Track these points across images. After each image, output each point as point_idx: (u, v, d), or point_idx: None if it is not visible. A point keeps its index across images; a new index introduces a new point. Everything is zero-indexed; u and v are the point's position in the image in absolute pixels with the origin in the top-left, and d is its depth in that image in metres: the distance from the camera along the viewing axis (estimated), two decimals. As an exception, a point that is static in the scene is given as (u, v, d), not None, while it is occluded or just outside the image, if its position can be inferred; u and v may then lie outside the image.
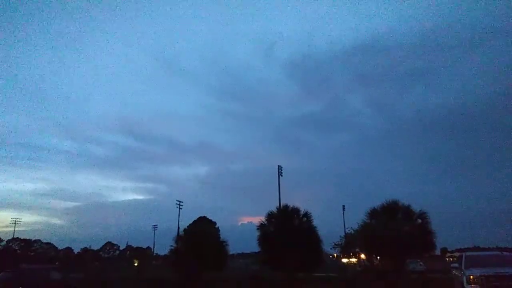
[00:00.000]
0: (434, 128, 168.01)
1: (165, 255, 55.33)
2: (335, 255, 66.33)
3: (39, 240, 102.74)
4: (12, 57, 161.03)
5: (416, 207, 23.85)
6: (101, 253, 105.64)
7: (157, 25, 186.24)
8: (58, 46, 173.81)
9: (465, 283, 14.34)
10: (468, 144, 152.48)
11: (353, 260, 50.26)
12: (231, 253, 35.44)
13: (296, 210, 26.97)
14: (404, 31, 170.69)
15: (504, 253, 18.98)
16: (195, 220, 66.33)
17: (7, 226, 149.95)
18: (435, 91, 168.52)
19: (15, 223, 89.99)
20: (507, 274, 13.84)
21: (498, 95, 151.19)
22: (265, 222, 26.84)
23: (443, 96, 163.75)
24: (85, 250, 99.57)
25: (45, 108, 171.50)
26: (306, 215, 26.79)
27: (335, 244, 51.50)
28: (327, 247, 35.17)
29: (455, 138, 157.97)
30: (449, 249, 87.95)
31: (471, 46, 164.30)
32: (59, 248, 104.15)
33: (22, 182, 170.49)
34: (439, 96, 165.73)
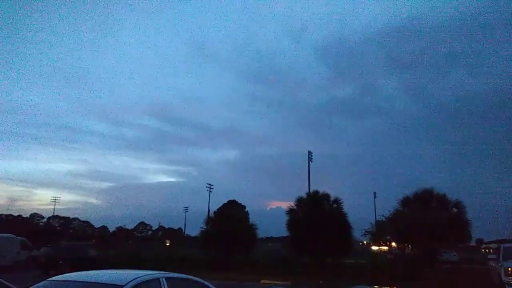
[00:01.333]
0: (473, 114, 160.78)
1: (195, 236, 56.56)
2: (365, 242, 65.73)
3: (77, 218, 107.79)
4: (50, 40, 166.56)
5: (451, 196, 23.17)
6: (134, 232, 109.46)
7: (187, 10, 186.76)
8: (94, 31, 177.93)
9: (503, 275, 13.83)
10: (509, 132, 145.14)
11: (384, 248, 49.59)
12: (260, 236, 35.77)
13: (326, 196, 26.77)
14: (442, 12, 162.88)
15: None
16: (225, 203, 67.44)
17: (47, 204, 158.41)
18: (475, 75, 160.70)
19: (55, 201, 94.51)
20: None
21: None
22: (294, 207, 26.84)
23: (484, 80, 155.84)
24: (120, 229, 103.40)
25: (81, 92, 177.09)
26: (336, 201, 26.55)
27: (365, 231, 50.88)
28: (357, 234, 34.70)
29: (495, 125, 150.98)
30: (484, 240, 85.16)
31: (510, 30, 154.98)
32: (96, 226, 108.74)
33: (60, 163, 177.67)
34: (479, 81, 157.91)
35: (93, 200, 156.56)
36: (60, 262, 20.80)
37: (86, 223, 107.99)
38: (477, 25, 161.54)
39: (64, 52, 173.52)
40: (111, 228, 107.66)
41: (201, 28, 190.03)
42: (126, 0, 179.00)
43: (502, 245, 16.63)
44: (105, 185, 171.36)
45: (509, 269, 13.69)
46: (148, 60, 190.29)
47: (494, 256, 16.53)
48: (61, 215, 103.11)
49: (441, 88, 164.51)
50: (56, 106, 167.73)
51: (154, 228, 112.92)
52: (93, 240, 72.78)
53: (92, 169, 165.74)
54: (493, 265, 16.14)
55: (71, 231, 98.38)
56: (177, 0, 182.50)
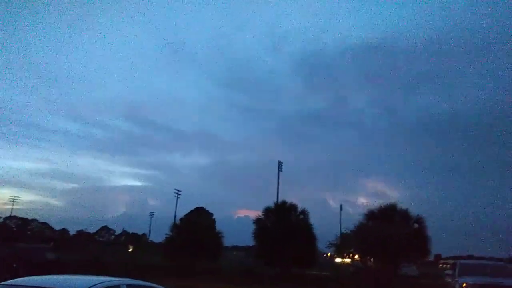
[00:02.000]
0: (436, 133, 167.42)
1: (160, 242, 55.47)
2: (329, 254, 66.48)
3: (36, 220, 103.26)
4: (18, 33, 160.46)
5: (413, 211, 23.90)
6: (96, 236, 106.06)
7: (165, 11, 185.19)
8: (66, 26, 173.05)
9: (458, 290, 14.36)
10: (470, 152, 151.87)
11: (347, 260, 50.35)
12: (226, 245, 35.56)
13: (293, 207, 27.03)
14: (414, 34, 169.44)
15: (498, 263, 19.01)
16: (192, 210, 66.48)
17: (5, 204, 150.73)
18: (441, 97, 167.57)
19: (13, 201, 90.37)
20: (500, 284, 13.84)
21: (504, 103, 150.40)
22: (262, 217, 26.91)
23: (449, 101, 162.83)
24: (81, 232, 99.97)
25: (48, 88, 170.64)
26: (303, 212, 26.86)
27: (330, 243, 51.53)
28: (322, 245, 35.15)
29: (457, 144, 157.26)
30: (443, 256, 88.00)
31: (480, 53, 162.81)
32: (55, 228, 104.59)
33: (22, 161, 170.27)
34: (445, 102, 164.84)
35: (54, 201, 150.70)
36: (14, 265, 19.85)
37: (45, 225, 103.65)
38: (445, 49, 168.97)
39: (34, 47, 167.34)
40: (72, 231, 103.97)
41: (179, 31, 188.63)
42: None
43: (458, 262, 17.28)
44: (68, 186, 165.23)
45: (464, 284, 14.23)
46: (122, 60, 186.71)
47: (450, 272, 17.14)
48: (20, 216, 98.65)
49: (408, 106, 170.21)
50: (22, 102, 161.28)
51: (117, 232, 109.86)
52: (52, 243, 69.95)
53: (55, 169, 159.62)
54: (449, 280, 16.72)
55: (28, 232, 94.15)
56: (156, 2, 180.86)
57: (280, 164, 57.62)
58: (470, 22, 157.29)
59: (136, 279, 4.76)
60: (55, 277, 4.35)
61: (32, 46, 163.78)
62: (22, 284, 4.00)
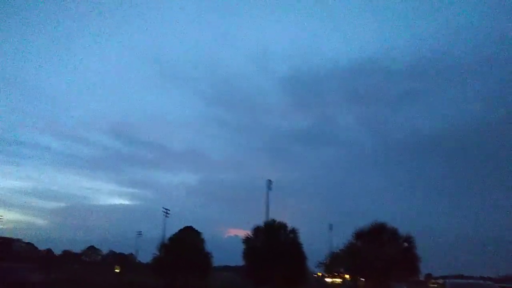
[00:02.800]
0: (424, 151, 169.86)
1: (148, 262, 54.47)
2: (319, 273, 65.90)
3: (20, 239, 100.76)
4: (2, 52, 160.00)
5: (403, 230, 23.96)
6: (82, 256, 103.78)
7: (152, 30, 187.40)
8: (48, 43, 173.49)
9: (446, 310, 14.37)
10: (458, 170, 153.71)
11: (337, 280, 49.96)
12: (215, 265, 35.05)
13: (283, 225, 26.88)
14: (400, 53, 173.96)
15: (486, 282, 19.10)
16: (180, 229, 65.51)
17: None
18: (427, 115, 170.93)
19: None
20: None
21: (490, 122, 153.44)
22: (251, 236, 26.68)
23: (435, 120, 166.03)
24: (66, 253, 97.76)
25: (32, 105, 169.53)
26: (293, 231, 26.70)
27: (320, 263, 51.14)
28: (311, 265, 34.91)
29: (445, 162, 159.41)
30: (433, 275, 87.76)
31: (465, 73, 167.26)
32: (40, 248, 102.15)
33: (6, 179, 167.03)
34: (431, 120, 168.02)
35: (39, 221, 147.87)
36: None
37: (30, 245, 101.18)
38: (430, 68, 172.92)
39: (19, 65, 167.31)
40: (57, 251, 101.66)
41: (167, 49, 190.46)
42: (88, 16, 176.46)
43: (446, 281, 17.36)
44: (54, 205, 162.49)
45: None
46: (109, 77, 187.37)
47: (439, 291, 17.18)
48: (3, 236, 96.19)
49: (395, 124, 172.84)
50: (6, 120, 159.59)
51: (104, 253, 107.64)
52: (36, 264, 68.15)
53: (40, 187, 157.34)
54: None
55: (12, 253, 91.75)
56: (141, 20, 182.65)
57: (269, 182, 57.49)
58: (454, 44, 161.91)
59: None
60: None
61: (16, 63, 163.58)
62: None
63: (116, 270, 75.12)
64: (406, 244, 23.67)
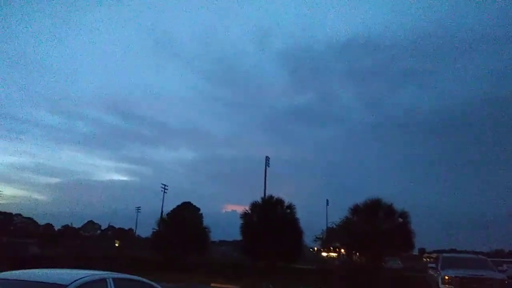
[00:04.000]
0: (421, 129, 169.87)
1: (147, 237, 55.21)
2: (315, 248, 67.17)
3: (20, 214, 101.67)
4: (2, 26, 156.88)
5: (398, 206, 24.22)
6: (81, 231, 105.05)
7: (152, 5, 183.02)
8: (47, 18, 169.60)
9: (440, 283, 14.71)
10: (454, 147, 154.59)
11: (333, 254, 50.96)
12: (213, 239, 35.63)
13: (280, 201, 27.19)
14: (400, 30, 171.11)
15: (479, 256, 19.50)
16: (179, 205, 66.28)
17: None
18: (426, 92, 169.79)
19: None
20: (480, 276, 14.23)
21: (488, 99, 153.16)
22: (249, 211, 27.03)
23: (434, 97, 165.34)
24: (66, 227, 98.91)
25: (30, 80, 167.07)
26: (290, 206, 27.04)
27: (316, 237, 52.04)
28: (308, 240, 35.49)
29: (442, 140, 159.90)
30: (427, 250, 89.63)
31: (465, 50, 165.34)
32: (40, 223, 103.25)
33: (5, 154, 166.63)
34: (430, 97, 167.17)
35: (38, 196, 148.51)
36: (-2, 259, 19.64)
37: (30, 220, 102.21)
38: (430, 46, 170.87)
39: (17, 39, 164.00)
40: (57, 226, 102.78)
41: (165, 24, 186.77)
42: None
43: (441, 255, 17.69)
44: (53, 180, 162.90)
45: (446, 277, 14.59)
46: (107, 52, 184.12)
47: (433, 265, 17.53)
48: (3, 210, 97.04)
49: (394, 101, 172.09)
50: (4, 95, 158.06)
51: (103, 227, 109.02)
52: (36, 238, 69.07)
53: (39, 163, 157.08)
54: (432, 273, 17.10)
55: (12, 227, 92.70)
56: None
57: (267, 159, 57.80)
58: (455, 20, 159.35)
59: (123, 273, 4.78)
60: (40, 270, 4.34)
61: (14, 38, 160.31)
62: (7, 278, 3.99)
63: (116, 245, 76.38)
64: (401, 220, 24.00)
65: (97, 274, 4.23)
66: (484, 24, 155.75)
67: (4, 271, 4.34)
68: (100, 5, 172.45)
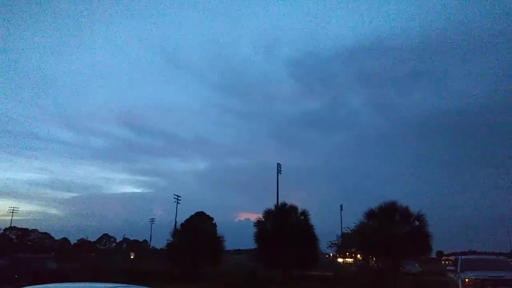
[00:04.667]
0: (433, 130, 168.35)
1: (161, 248, 55.39)
2: (330, 254, 66.48)
3: (36, 230, 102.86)
4: (13, 44, 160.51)
5: (414, 209, 23.86)
6: (97, 244, 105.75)
7: (160, 19, 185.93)
8: (60, 36, 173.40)
9: (460, 286, 14.38)
10: (468, 148, 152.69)
11: (349, 260, 50.38)
12: (227, 249, 35.49)
13: (293, 208, 27.00)
14: (406, 33, 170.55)
15: (499, 257, 19.05)
16: (192, 215, 66.39)
17: (5, 215, 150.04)
18: (436, 94, 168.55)
19: (12, 212, 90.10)
20: (501, 278, 13.87)
21: (499, 98, 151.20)
22: (262, 219, 26.89)
23: (444, 98, 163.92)
24: (82, 241, 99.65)
25: (44, 98, 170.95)
26: (304, 213, 26.83)
27: (331, 243, 51.54)
28: (323, 246, 35.18)
29: (455, 141, 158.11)
30: (444, 252, 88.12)
31: (474, 50, 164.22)
32: (56, 238, 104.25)
33: (21, 171, 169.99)
34: (440, 99, 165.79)
35: (54, 211, 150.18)
36: (16, 276, 19.75)
37: (46, 235, 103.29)
38: (438, 47, 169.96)
39: (30, 57, 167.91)
40: (73, 240, 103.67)
41: (173, 37, 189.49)
42: (97, 7, 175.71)
43: (459, 257, 17.31)
44: (68, 195, 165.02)
45: (466, 280, 14.25)
46: (117, 67, 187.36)
47: (452, 268, 17.16)
48: (19, 226, 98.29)
49: (405, 104, 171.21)
50: (19, 113, 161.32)
51: (118, 240, 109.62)
52: (53, 253, 69.69)
53: (54, 178, 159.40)
54: (452, 276, 16.74)
55: (29, 243, 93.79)
56: (149, 10, 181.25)
57: (279, 166, 57.66)
58: (462, 21, 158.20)
59: (139, 285, 4.77)
60: (57, 285, 4.35)
61: (27, 57, 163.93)
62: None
63: (131, 257, 76.62)
64: (417, 223, 23.61)
65: (113, 287, 4.22)
66: (492, 23, 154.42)
67: (23, 286, 4.36)
68: (111, 21, 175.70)
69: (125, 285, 4.41)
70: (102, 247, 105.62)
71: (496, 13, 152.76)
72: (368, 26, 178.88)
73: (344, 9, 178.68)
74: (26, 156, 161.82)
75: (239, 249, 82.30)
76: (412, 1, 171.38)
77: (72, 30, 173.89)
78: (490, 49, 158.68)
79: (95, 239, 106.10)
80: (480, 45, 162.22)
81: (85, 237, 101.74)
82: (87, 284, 4.46)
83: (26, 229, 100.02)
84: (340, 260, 56.10)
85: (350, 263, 49.76)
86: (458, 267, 15.78)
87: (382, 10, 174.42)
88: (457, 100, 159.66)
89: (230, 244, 34.97)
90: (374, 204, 24.55)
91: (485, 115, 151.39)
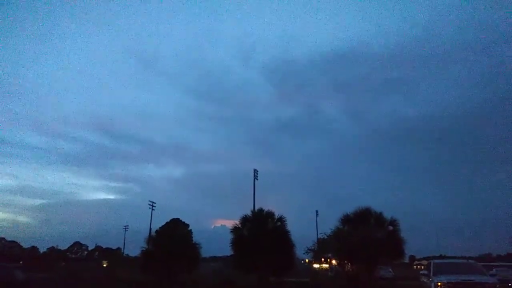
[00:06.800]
0: (407, 138, 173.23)
1: (136, 256, 54.29)
2: (306, 260, 66.75)
3: (3, 238, 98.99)
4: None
5: (387, 214, 24.32)
6: (68, 253, 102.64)
7: (136, 24, 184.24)
8: (30, 39, 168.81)
9: (433, 290, 14.73)
10: (440, 156, 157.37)
11: (325, 265, 50.78)
12: (203, 256, 35.08)
13: (270, 214, 26.99)
14: (381, 42, 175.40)
15: (470, 261, 19.65)
16: (167, 222, 65.46)
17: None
18: (410, 102, 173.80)
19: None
20: (473, 281, 14.30)
21: (471, 107, 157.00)
22: (239, 225, 26.75)
23: (418, 106, 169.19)
24: (52, 250, 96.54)
25: (13, 102, 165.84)
26: (280, 219, 26.85)
27: (308, 249, 51.82)
28: (300, 252, 35.32)
29: (427, 149, 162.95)
30: (417, 257, 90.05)
31: (446, 59, 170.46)
32: (24, 246, 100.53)
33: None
34: (414, 107, 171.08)
35: (22, 218, 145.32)
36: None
37: (14, 243, 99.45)
38: (412, 56, 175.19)
39: (0, 61, 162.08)
40: (42, 249, 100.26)
41: (150, 43, 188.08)
42: (71, 10, 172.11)
43: (432, 261, 17.77)
44: (38, 202, 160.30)
45: (439, 283, 14.61)
46: (91, 73, 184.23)
47: (425, 272, 17.58)
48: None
49: (379, 112, 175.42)
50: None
51: (90, 248, 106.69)
52: (21, 262, 67.07)
53: (23, 184, 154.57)
54: (425, 280, 17.13)
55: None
56: (125, 14, 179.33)
57: (255, 172, 57.63)
58: (436, 30, 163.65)
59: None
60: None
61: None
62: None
63: (104, 265, 74.68)
64: (391, 228, 24.06)
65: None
66: (463, 33, 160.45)
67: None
68: (85, 25, 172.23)
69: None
70: (73, 256, 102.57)
71: (469, 27, 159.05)
72: (343, 35, 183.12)
73: (320, 17, 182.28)
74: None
75: (215, 256, 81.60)
76: (387, 11, 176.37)
77: (46, 36, 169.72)
78: (462, 60, 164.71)
79: (66, 247, 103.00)
80: (453, 55, 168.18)
81: (55, 246, 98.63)
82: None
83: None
84: (316, 266, 56.42)
85: (325, 269, 50.18)
86: (431, 271, 16.18)
87: (356, 20, 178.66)
88: (430, 109, 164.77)
89: (206, 251, 34.56)
90: (349, 210, 24.89)
91: (456, 124, 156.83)
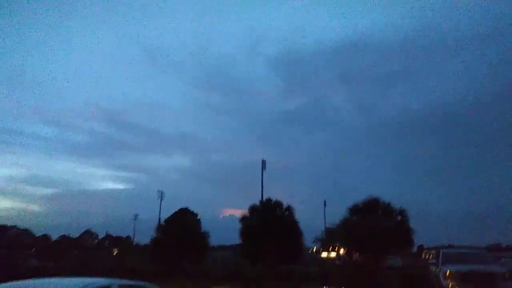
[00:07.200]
0: (415, 128, 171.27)
1: (145, 244, 54.92)
2: (314, 249, 67.01)
3: (15, 226, 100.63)
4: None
5: (396, 204, 24.29)
6: (79, 241, 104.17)
7: (143, 15, 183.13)
8: (40, 30, 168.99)
9: (441, 279, 14.73)
10: (448, 146, 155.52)
11: (333, 254, 50.92)
12: (212, 245, 35.46)
13: (278, 204, 27.10)
14: (388, 32, 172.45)
15: (478, 251, 19.59)
16: (176, 211, 65.95)
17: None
18: (417, 92, 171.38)
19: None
20: (481, 270, 14.28)
21: (479, 98, 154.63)
22: (248, 215, 26.91)
23: (425, 97, 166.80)
24: (63, 238, 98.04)
25: (23, 93, 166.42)
26: (289, 208, 26.96)
27: (316, 238, 51.89)
28: (308, 241, 35.41)
29: (435, 139, 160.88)
30: (425, 247, 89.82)
31: (454, 49, 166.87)
32: (36, 235, 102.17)
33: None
34: (421, 97, 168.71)
35: (34, 207, 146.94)
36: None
37: (26, 232, 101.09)
38: (419, 46, 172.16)
39: (8, 52, 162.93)
40: (54, 237, 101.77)
41: (156, 34, 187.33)
42: (77, 2, 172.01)
43: (441, 251, 17.73)
44: (48, 191, 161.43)
45: (447, 272, 14.61)
46: (99, 63, 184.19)
47: (434, 261, 17.57)
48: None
49: (385, 102, 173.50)
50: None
51: (100, 236, 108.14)
52: (33, 249, 68.33)
53: (34, 174, 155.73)
54: (433, 269, 17.13)
55: (7, 239, 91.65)
56: (133, 6, 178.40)
57: (263, 162, 57.68)
58: (444, 20, 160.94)
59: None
60: (46, 280, 4.28)
61: (5, 50, 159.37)
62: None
63: (114, 253, 75.76)
64: (399, 217, 24.05)
65: (101, 282, 4.19)
66: (472, 23, 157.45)
67: (5, 282, 4.24)
68: (91, 17, 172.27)
69: (114, 279, 4.38)
70: (84, 244, 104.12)
71: (476, 16, 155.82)
72: (349, 25, 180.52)
73: (327, 8, 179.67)
74: (3, 152, 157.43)
75: (223, 245, 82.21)
76: (395, 1, 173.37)
77: (53, 27, 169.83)
78: (470, 50, 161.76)
79: (77, 236, 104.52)
80: (460, 46, 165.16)
81: (66, 234, 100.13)
82: (76, 279, 4.40)
83: (5, 225, 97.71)
84: (323, 255, 56.63)
85: (333, 258, 50.32)
86: (440, 261, 16.16)
87: (364, 10, 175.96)
88: (437, 100, 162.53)
89: (214, 240, 34.91)
90: (356, 200, 24.91)
91: (464, 115, 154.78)
